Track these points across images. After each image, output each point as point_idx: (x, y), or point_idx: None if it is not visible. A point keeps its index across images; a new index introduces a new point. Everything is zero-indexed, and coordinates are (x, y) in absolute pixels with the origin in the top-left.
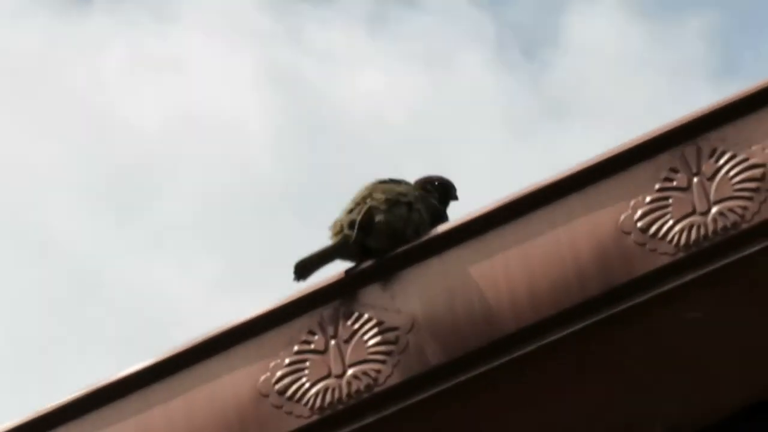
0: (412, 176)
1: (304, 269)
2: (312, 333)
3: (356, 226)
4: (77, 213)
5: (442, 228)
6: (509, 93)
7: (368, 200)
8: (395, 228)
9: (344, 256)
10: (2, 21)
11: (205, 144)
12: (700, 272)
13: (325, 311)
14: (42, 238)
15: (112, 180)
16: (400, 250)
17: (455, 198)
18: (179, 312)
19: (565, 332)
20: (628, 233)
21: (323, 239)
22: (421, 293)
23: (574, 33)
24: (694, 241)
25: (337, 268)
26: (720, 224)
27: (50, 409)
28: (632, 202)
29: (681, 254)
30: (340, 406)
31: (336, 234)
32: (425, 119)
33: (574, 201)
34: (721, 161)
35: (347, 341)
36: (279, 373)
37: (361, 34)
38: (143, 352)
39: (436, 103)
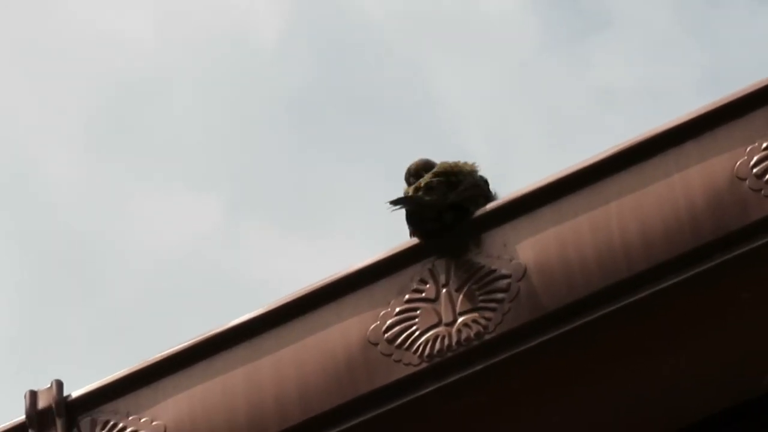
0: (438, 87)
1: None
2: (423, 282)
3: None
4: (70, 148)
5: (554, 177)
6: (535, 8)
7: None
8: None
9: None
10: None
11: (204, 51)
12: None
13: (437, 260)
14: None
15: (104, 109)
16: (511, 198)
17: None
18: (198, 241)
19: (678, 278)
20: (744, 179)
21: (330, 159)
22: (533, 241)
23: None
24: None
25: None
26: None
27: (160, 359)
28: (748, 149)
29: None
30: (450, 354)
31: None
32: (446, 27)
33: (689, 148)
34: None
35: (458, 289)
36: (389, 322)
37: None
38: (172, 286)
39: (459, 12)
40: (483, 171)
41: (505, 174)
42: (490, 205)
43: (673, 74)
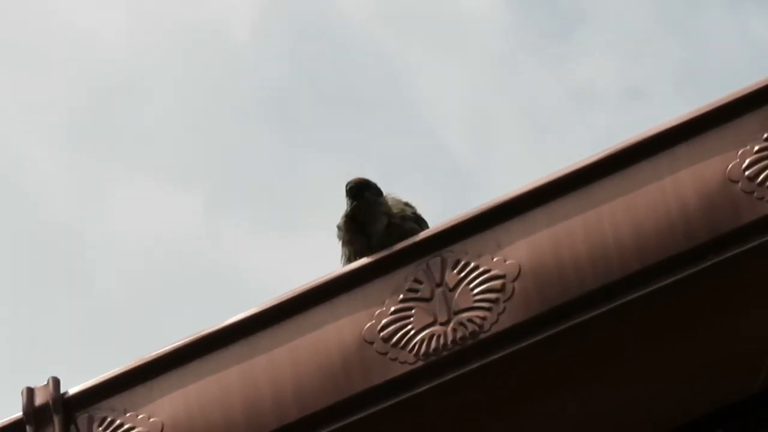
0: (417, 84)
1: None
2: (418, 281)
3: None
4: (52, 147)
5: (547, 179)
6: (514, 5)
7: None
8: None
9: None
10: None
11: (183, 49)
12: None
13: (432, 260)
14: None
15: (85, 107)
16: (505, 200)
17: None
18: (184, 239)
19: (671, 279)
20: (736, 182)
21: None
22: (527, 242)
23: None
24: None
25: (444, 218)
26: None
27: (156, 357)
28: (740, 151)
29: None
30: (445, 353)
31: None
32: (426, 24)
33: (680, 151)
34: None
35: (453, 289)
36: (384, 321)
37: None
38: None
39: (438, 9)
40: (462, 169)
41: (484, 171)
42: (483, 206)
43: (652, 72)
